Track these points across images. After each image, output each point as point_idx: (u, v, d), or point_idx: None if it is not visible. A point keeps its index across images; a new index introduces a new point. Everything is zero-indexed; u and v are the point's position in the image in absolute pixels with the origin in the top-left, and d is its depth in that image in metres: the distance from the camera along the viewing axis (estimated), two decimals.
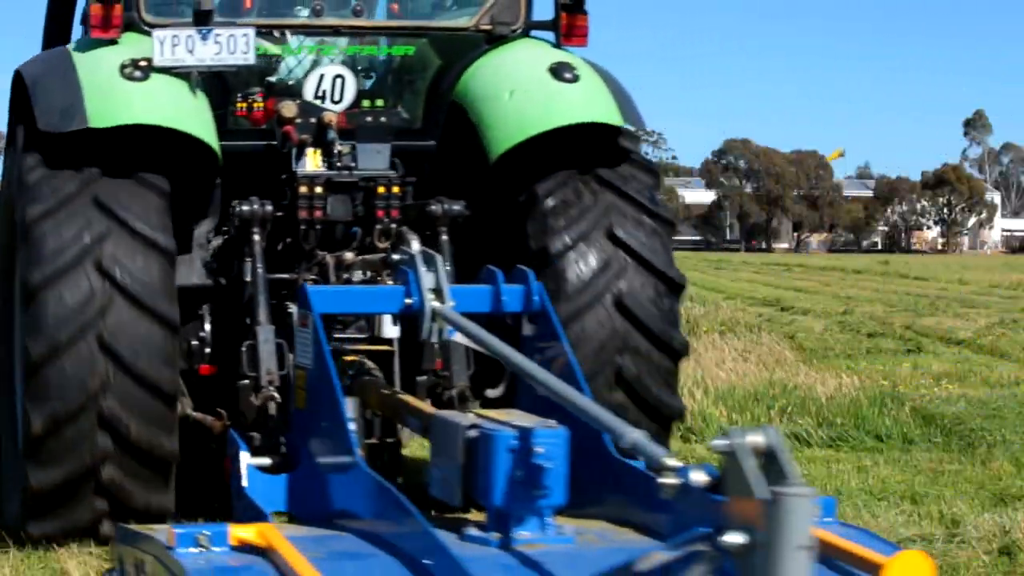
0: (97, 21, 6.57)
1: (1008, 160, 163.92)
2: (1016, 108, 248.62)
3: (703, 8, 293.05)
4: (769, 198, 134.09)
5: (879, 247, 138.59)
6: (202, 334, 6.75)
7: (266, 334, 6.22)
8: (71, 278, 6.13)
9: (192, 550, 4.46)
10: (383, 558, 4.57)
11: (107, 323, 6.09)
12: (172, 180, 6.57)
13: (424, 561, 4.33)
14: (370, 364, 6.37)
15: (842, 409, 10.26)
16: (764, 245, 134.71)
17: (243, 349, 6.22)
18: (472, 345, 5.66)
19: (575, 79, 6.79)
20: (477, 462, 4.75)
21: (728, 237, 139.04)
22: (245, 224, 6.58)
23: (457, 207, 6.80)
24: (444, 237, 6.73)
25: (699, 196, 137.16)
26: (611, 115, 6.76)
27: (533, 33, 7.27)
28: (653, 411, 6.68)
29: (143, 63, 6.46)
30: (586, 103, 6.77)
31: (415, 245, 6.18)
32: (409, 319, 5.88)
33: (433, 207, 6.78)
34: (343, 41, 7.13)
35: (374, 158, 6.88)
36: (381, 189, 6.76)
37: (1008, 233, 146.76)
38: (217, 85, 6.87)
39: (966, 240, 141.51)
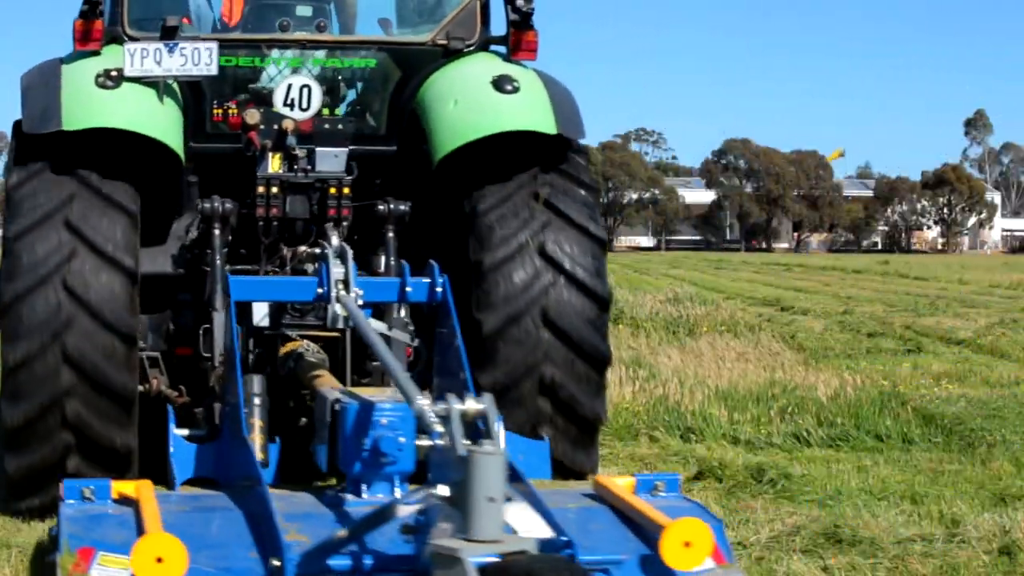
0: (79, 35, 7.27)
1: (1008, 160, 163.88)
2: (1017, 108, 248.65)
3: (704, 7, 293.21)
4: (769, 198, 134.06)
5: (879, 247, 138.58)
6: (180, 319, 7.41)
7: (220, 319, 6.92)
8: (40, 294, 6.75)
9: (75, 502, 5.29)
10: (232, 514, 5.30)
11: (70, 335, 6.71)
12: (144, 183, 7.20)
13: (261, 517, 5.04)
14: (314, 348, 6.99)
15: (842, 409, 10.25)
16: (764, 245, 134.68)
17: (200, 332, 7.05)
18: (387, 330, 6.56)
19: (515, 90, 7.29)
20: (337, 433, 5.32)
21: (728, 237, 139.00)
22: (207, 220, 7.34)
23: (403, 207, 7.52)
24: (390, 234, 7.48)
25: (699, 196, 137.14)
26: (546, 124, 7.20)
27: (493, 48, 7.80)
28: (577, 417, 7.11)
29: (114, 73, 7.11)
30: (522, 112, 7.24)
31: (335, 240, 7.05)
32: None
33: (380, 207, 7.51)
34: (310, 54, 7.71)
35: (331, 161, 7.50)
36: (332, 190, 7.43)
37: (1008, 233, 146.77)
38: (196, 94, 7.55)
39: (966, 240, 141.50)
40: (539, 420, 7.05)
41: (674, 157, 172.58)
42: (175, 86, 7.38)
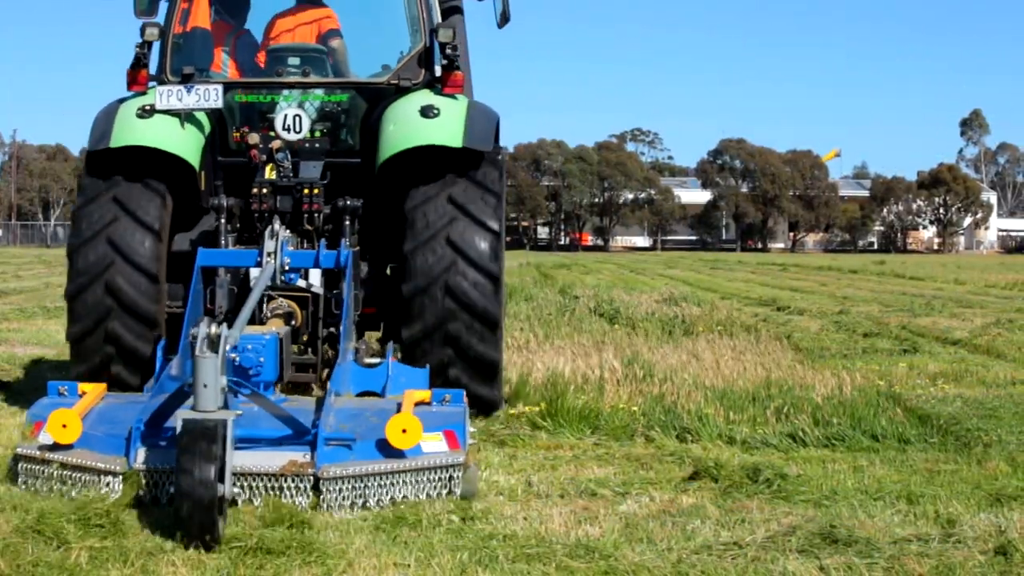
0: (130, 80, 10.22)
1: (1004, 160, 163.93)
2: (1013, 108, 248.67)
3: (700, 8, 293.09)
4: (765, 198, 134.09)
5: (875, 247, 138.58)
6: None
7: (221, 281, 9.62)
8: (91, 246, 9.78)
9: (51, 396, 8.13)
10: (141, 404, 7.89)
11: (110, 274, 9.72)
12: (176, 185, 10.06)
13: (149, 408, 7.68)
14: (286, 303, 9.54)
15: (838, 409, 10.22)
16: (760, 245, 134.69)
17: (207, 291, 9.57)
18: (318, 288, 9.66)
19: (435, 116, 9.91)
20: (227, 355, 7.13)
21: (724, 237, 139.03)
22: (217, 212, 10.05)
23: (357, 203, 10.17)
24: (347, 223, 10.10)
25: (695, 196, 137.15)
26: (453, 140, 9.82)
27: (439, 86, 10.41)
28: (474, 362, 9.74)
29: (148, 107, 9.98)
30: (436, 132, 9.85)
31: (276, 224, 9.61)
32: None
33: (340, 203, 10.13)
34: (298, 92, 10.46)
35: (310, 170, 10.23)
36: (306, 191, 10.03)
37: (1004, 233, 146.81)
38: (221, 122, 10.40)
39: (962, 240, 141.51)
40: (448, 364, 9.67)
41: (670, 157, 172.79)
42: (201, 116, 10.18)
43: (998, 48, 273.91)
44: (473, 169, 9.92)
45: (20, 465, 7.62)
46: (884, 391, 11.38)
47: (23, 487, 7.52)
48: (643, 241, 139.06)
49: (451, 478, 7.58)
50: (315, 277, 9.69)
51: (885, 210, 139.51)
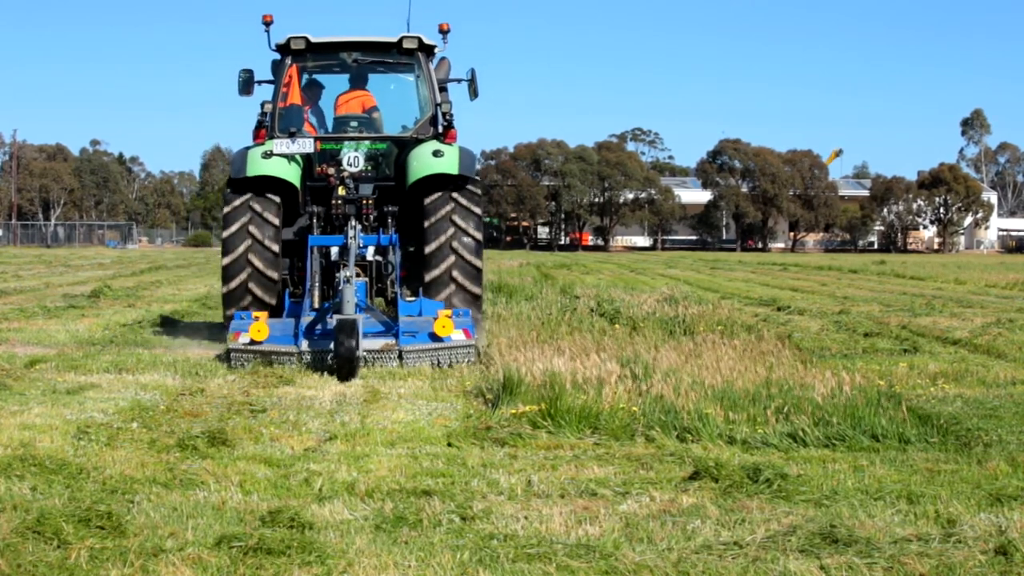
0: (254, 136, 16.93)
1: (1005, 160, 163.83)
2: (1014, 108, 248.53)
3: (701, 8, 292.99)
4: (765, 198, 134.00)
5: (875, 247, 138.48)
6: (302, 259, 16.82)
7: (315, 256, 15.91)
8: (237, 237, 16.51)
9: (237, 319, 15.07)
10: (289, 322, 15.05)
11: (251, 255, 16.38)
12: (284, 200, 16.90)
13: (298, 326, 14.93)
14: (357, 269, 15.52)
15: (838, 409, 10.21)
16: (760, 245, 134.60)
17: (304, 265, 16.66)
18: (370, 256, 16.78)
19: (441, 156, 16.66)
20: (337, 292, 14.79)
21: (724, 237, 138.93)
22: (310, 216, 17.01)
23: (395, 208, 17.05)
24: (390, 220, 16.93)
25: (695, 196, 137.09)
26: (452, 169, 16.60)
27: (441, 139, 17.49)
28: (468, 294, 16.42)
29: (268, 151, 16.63)
30: (442, 165, 16.60)
31: (352, 220, 16.24)
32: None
33: (385, 208, 17.03)
34: (354, 142, 17.24)
35: (365, 189, 16.95)
36: (364, 202, 16.81)
37: (1004, 233, 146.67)
38: (309, 160, 17.14)
39: (962, 240, 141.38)
40: (451, 295, 16.30)
41: (670, 157, 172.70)
42: (299, 157, 16.91)
43: (999, 48, 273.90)
44: (464, 184, 16.83)
45: (231, 355, 14.25)
46: (884, 391, 11.35)
47: (235, 368, 14.13)
48: (643, 241, 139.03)
49: (468, 353, 14.51)
50: (370, 252, 16.26)
51: (885, 210, 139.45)
